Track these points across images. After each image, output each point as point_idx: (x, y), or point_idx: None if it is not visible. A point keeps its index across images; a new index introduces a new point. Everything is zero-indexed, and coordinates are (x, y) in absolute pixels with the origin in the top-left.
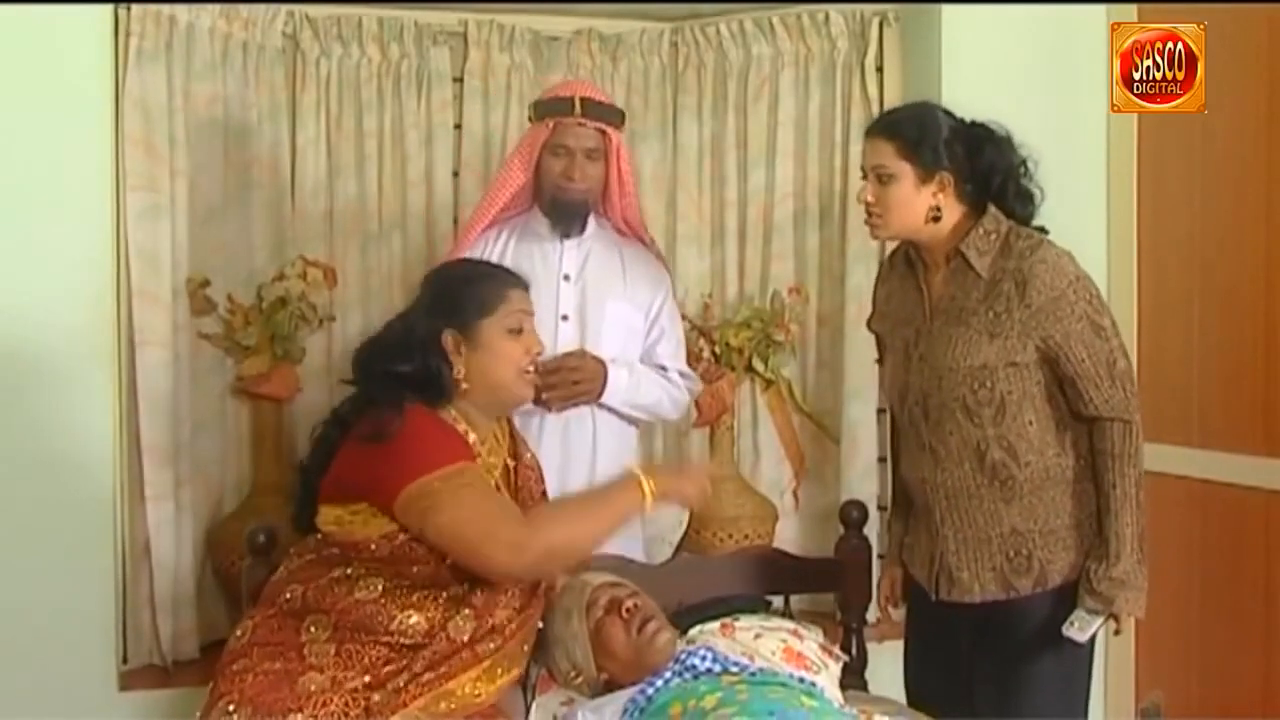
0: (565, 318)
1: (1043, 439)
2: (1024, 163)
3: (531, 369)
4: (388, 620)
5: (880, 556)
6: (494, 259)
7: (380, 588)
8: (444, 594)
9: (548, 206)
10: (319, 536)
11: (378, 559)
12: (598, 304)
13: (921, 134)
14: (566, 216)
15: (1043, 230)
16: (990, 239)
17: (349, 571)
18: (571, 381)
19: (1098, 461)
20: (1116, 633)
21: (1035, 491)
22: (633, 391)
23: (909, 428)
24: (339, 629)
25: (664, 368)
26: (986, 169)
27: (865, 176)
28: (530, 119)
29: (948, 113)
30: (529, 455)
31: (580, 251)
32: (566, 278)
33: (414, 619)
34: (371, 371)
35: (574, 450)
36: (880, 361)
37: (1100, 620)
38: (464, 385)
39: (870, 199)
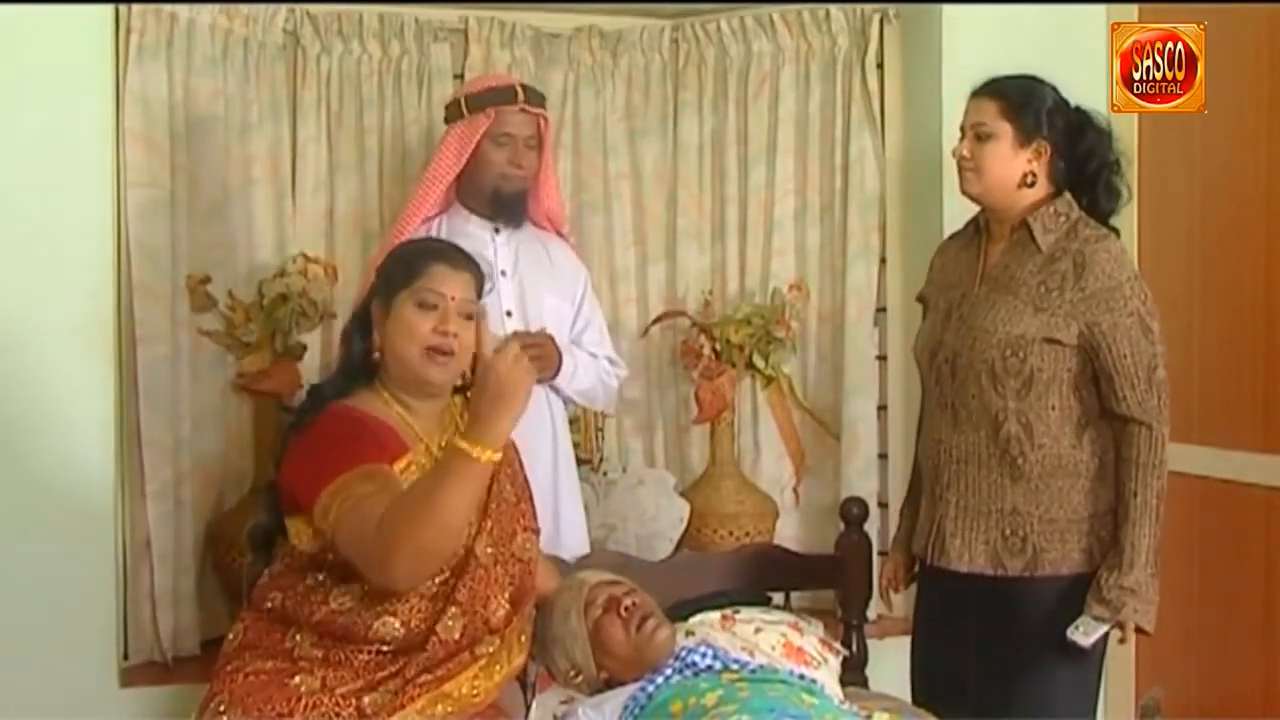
0: (509, 314)
1: (1061, 427)
2: (1119, 159)
3: (443, 352)
4: (365, 629)
5: (881, 553)
6: None
7: (354, 595)
8: (418, 594)
9: (489, 198)
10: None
11: (342, 564)
12: (535, 298)
13: (1026, 99)
14: (508, 207)
15: (1115, 231)
16: (1059, 219)
17: (320, 578)
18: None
19: (1121, 468)
20: (1121, 641)
21: (1043, 477)
22: (577, 376)
23: (934, 387)
24: (323, 637)
25: (594, 355)
26: (1085, 153)
27: (964, 135)
28: (464, 112)
29: (1055, 90)
30: None
31: (510, 247)
32: (504, 273)
33: (391, 623)
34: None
35: (536, 436)
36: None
37: (1105, 627)
38: (375, 355)
39: (965, 154)
